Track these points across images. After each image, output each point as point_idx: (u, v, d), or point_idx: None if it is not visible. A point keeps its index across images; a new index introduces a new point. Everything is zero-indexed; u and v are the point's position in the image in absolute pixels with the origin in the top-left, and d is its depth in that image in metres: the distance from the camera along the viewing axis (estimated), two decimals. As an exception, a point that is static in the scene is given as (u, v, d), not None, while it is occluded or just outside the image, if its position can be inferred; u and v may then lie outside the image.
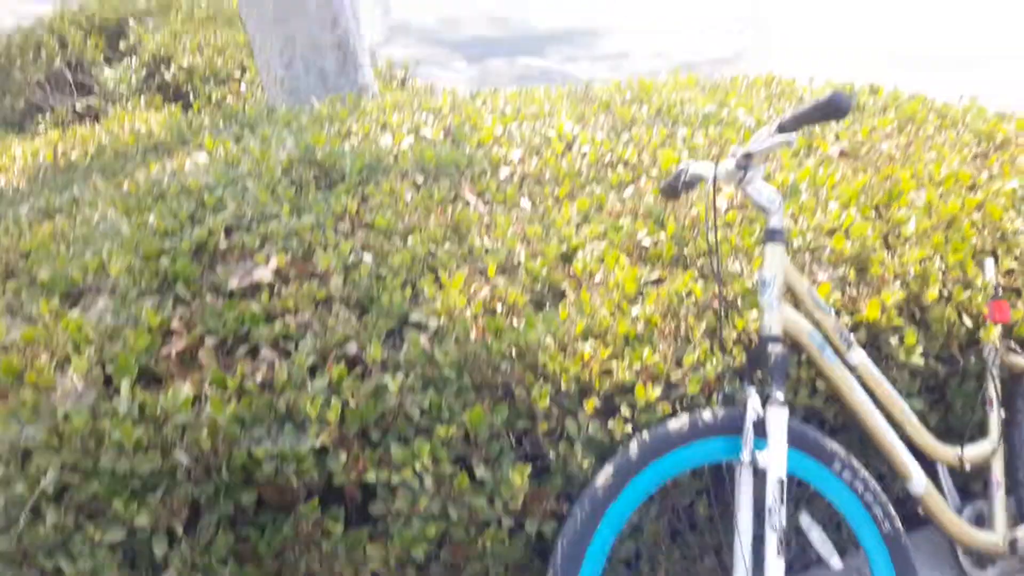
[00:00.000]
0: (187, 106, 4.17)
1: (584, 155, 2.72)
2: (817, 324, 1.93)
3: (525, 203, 2.46)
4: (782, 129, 1.78)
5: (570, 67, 8.64)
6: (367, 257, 2.07)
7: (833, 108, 1.69)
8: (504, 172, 2.60)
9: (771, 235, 1.85)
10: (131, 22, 4.72)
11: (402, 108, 3.09)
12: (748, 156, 1.84)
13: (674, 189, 2.12)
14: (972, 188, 2.58)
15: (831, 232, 2.30)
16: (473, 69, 8.73)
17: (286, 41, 3.36)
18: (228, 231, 2.15)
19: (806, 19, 10.14)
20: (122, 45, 4.62)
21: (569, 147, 2.80)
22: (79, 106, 4.36)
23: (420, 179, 2.48)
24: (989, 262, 2.25)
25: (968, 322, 2.15)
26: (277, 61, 3.41)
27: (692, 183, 2.07)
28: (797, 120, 1.76)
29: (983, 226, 2.37)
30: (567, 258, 2.22)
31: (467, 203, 2.43)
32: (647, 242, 2.27)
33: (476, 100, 3.24)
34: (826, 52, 8.54)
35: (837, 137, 2.94)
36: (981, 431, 2.16)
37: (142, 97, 4.18)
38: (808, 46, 9.11)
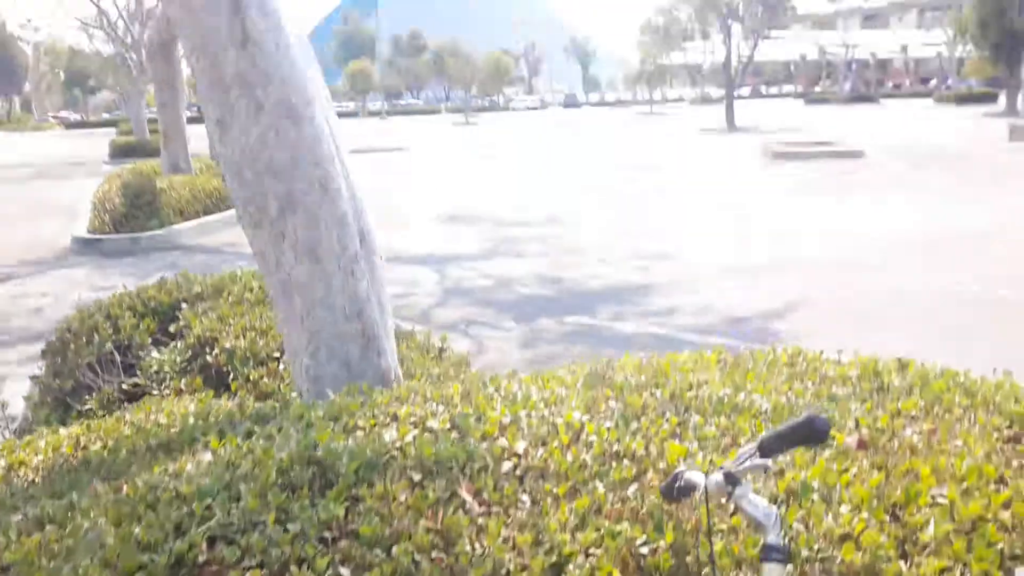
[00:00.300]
0: (227, 387, 4.31)
1: (590, 446, 2.68)
2: (824, 655, 1.76)
3: (524, 500, 2.40)
4: (763, 449, 1.73)
5: (617, 325, 8.83)
6: (345, 573, 2.00)
7: (811, 433, 1.65)
8: (506, 466, 2.55)
9: (768, 553, 1.73)
10: (183, 306, 5.01)
11: (414, 396, 3.13)
12: (731, 475, 1.78)
13: (671, 492, 2.04)
14: (1000, 481, 2.42)
15: (843, 539, 2.15)
16: (523, 328, 8.96)
17: (312, 334, 3.50)
18: (212, 541, 2.13)
19: (859, 266, 10.32)
20: (172, 328, 4.88)
21: (576, 437, 2.76)
22: (126, 386, 4.55)
23: (417, 477, 2.45)
24: (1021, 572, 2.06)
25: (1001, 647, 1.94)
26: (303, 351, 3.54)
27: (686, 490, 1.99)
28: (778, 441, 1.71)
29: (1012, 527, 2.20)
30: (559, 568, 2.11)
31: (463, 502, 2.37)
32: (645, 550, 2.16)
33: (489, 386, 3.27)
34: (877, 293, 8.62)
35: (857, 423, 2.85)
36: None
37: (183, 379, 4.34)
38: (859, 289, 9.20)
